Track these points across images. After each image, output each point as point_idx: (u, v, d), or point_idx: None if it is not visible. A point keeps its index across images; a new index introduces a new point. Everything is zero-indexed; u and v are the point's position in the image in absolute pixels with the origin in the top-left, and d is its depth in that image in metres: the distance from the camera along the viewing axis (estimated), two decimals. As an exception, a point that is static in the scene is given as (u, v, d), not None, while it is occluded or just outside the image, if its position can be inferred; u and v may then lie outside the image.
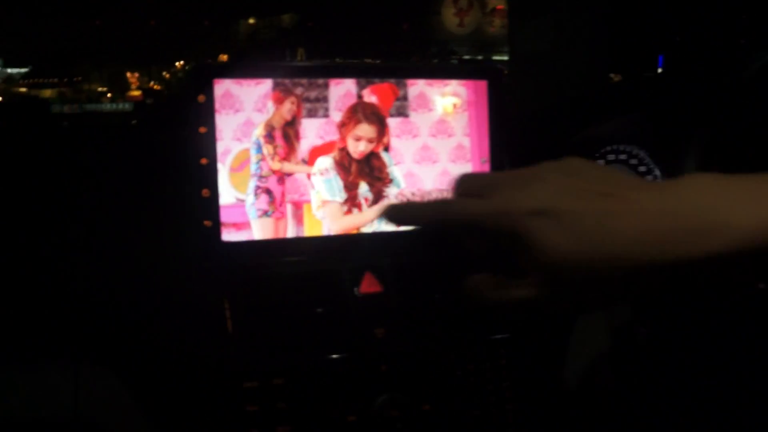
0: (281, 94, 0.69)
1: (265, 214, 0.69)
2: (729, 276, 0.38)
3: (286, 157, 0.70)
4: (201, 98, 0.66)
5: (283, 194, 0.71)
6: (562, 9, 1.23)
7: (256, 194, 0.69)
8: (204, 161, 0.66)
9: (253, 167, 0.70)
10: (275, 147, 0.69)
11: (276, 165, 0.70)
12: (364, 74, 0.72)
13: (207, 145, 0.67)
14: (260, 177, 0.69)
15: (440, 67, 0.77)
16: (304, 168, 0.71)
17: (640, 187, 0.40)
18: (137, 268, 0.72)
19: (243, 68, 0.68)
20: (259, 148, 0.69)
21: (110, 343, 0.71)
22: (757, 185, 0.38)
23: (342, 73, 0.72)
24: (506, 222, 0.40)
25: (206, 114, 0.67)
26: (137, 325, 0.72)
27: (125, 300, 0.72)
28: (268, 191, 0.69)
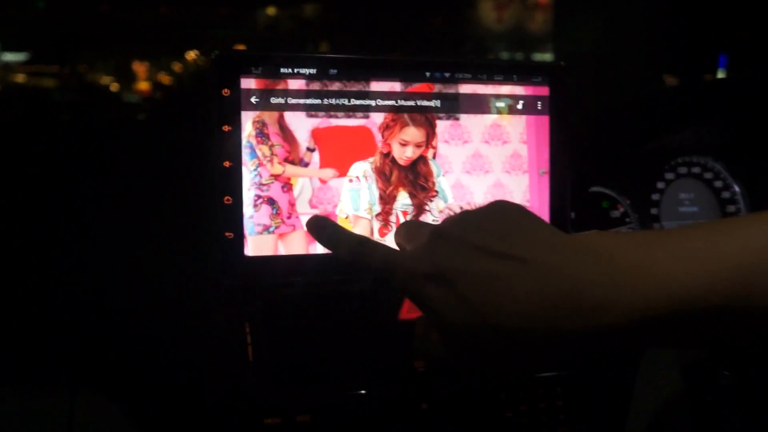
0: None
1: (267, 230, 0.66)
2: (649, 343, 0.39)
3: (292, 159, 0.67)
4: (226, 92, 0.63)
5: (291, 204, 0.67)
6: (613, 3, 1.20)
7: (255, 205, 0.66)
8: (227, 164, 0.64)
9: (250, 174, 0.66)
10: (271, 146, 0.66)
11: (278, 169, 0.66)
12: (412, 69, 0.69)
13: (231, 146, 0.64)
14: (260, 185, 0.66)
15: (497, 64, 0.73)
16: (318, 172, 0.68)
17: (546, 244, 0.41)
18: (146, 286, 0.70)
19: (276, 60, 0.65)
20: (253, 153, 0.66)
21: (113, 369, 0.69)
22: (677, 242, 0.37)
23: (386, 68, 0.68)
24: (408, 284, 0.45)
25: (231, 110, 0.64)
26: (143, 349, 0.69)
27: (129, 320, 0.70)
28: (271, 201, 0.66)
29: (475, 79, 0.71)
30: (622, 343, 0.38)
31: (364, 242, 0.51)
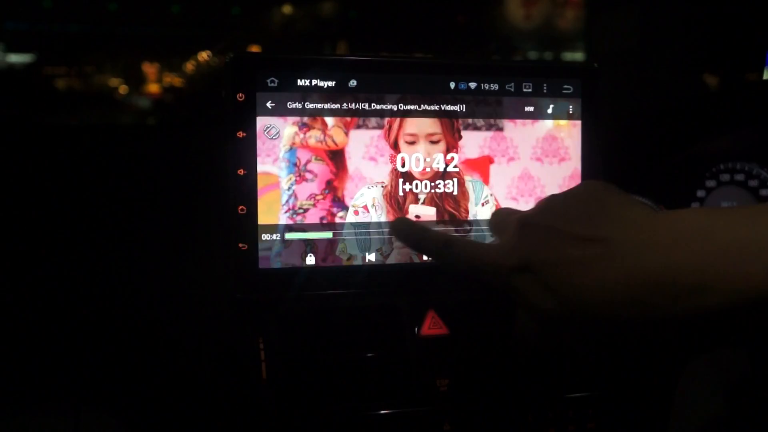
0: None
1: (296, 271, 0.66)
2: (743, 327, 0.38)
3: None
4: (240, 97, 0.64)
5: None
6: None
7: (284, 241, 0.66)
8: (241, 172, 0.64)
9: (283, 196, 0.66)
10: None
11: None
12: (435, 73, 0.69)
13: (245, 153, 0.64)
14: (295, 211, 0.66)
15: (525, 65, 0.73)
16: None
17: (633, 223, 0.41)
18: (154, 299, 0.71)
19: (292, 63, 0.66)
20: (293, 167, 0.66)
21: (120, 386, 0.69)
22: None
23: (406, 71, 0.69)
24: (497, 280, 0.46)
25: (246, 114, 0.64)
26: (153, 365, 0.70)
27: (138, 335, 0.70)
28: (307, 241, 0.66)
29: (503, 84, 0.71)
30: (721, 327, 0.38)
31: (450, 242, 0.52)
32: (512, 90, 0.71)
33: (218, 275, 0.67)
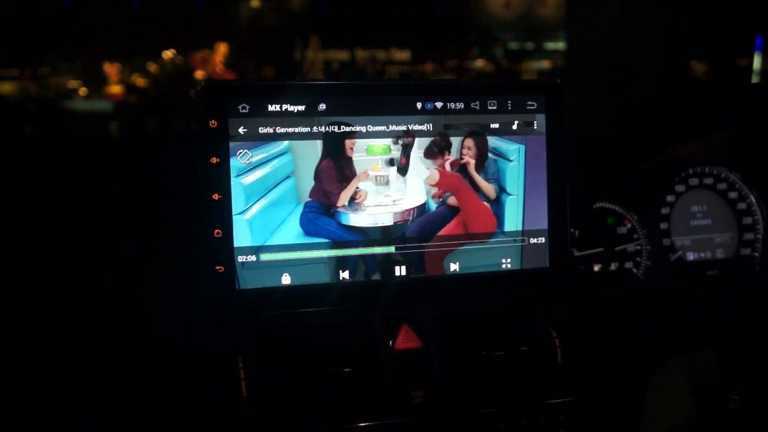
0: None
1: None
2: None
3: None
4: (213, 123, 0.69)
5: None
6: None
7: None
8: (216, 196, 0.70)
9: (258, 218, 0.72)
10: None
11: None
12: (403, 95, 0.75)
13: (220, 178, 0.70)
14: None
15: (491, 84, 0.79)
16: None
17: None
18: (134, 322, 0.75)
19: (266, 88, 0.71)
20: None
21: (100, 408, 0.74)
22: None
23: (376, 94, 0.75)
24: None
25: (218, 141, 0.70)
26: (132, 386, 0.74)
27: (116, 356, 0.75)
28: None
29: (468, 103, 0.77)
30: None
31: None
32: (477, 108, 0.77)
33: (196, 297, 0.71)
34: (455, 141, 0.77)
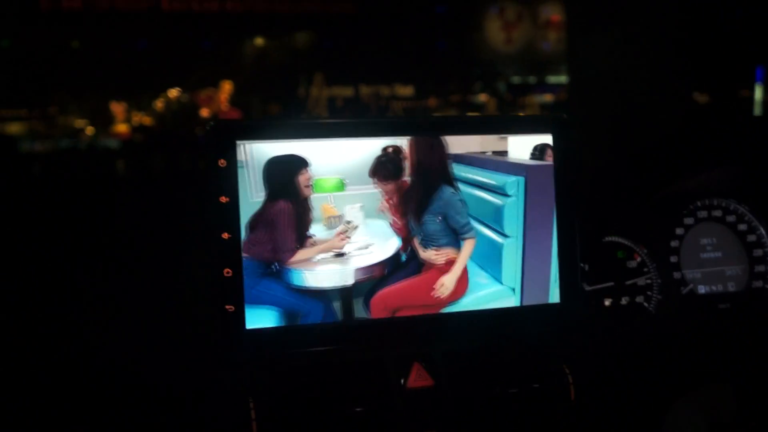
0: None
1: None
2: None
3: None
4: (222, 163, 0.70)
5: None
6: (632, 17, 1.21)
7: None
8: (226, 235, 0.70)
9: None
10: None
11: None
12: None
13: (228, 217, 0.70)
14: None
15: (499, 120, 0.79)
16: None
17: None
18: (144, 360, 0.75)
19: (273, 126, 0.72)
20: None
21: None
22: None
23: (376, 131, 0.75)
24: None
25: (228, 180, 0.70)
26: (142, 426, 0.74)
27: (127, 396, 0.74)
28: None
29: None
30: None
31: None
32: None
33: (207, 337, 0.71)
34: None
